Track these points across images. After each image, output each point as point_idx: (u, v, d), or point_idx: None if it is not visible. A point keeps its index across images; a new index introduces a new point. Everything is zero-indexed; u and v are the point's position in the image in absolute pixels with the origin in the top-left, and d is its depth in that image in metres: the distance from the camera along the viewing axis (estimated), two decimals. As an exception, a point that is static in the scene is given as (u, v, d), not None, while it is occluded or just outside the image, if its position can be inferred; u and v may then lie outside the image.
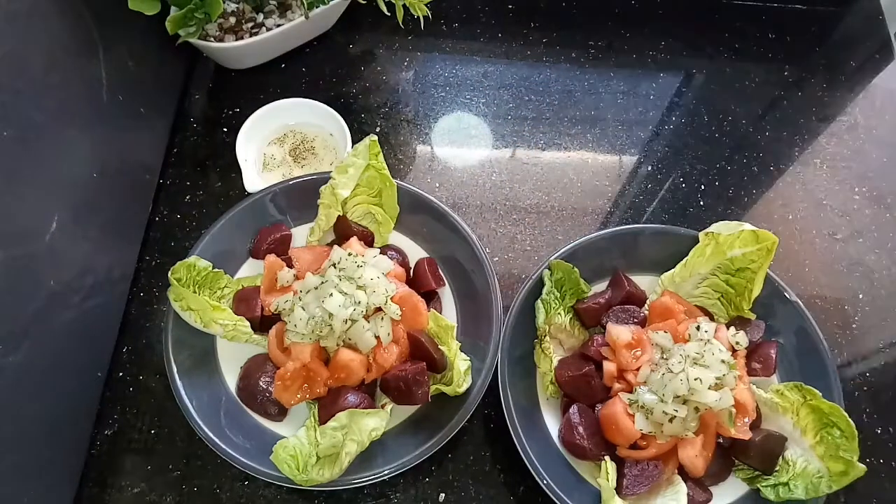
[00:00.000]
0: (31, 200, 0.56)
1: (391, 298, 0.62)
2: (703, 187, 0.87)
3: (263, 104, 0.81)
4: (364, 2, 0.88)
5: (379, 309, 0.62)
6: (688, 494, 0.59)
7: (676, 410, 0.59)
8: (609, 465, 0.61)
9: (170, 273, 0.62)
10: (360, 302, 0.60)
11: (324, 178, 0.70)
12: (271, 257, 0.68)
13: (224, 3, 0.80)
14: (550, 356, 0.65)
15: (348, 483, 0.59)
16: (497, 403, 0.70)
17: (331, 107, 0.81)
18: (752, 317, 0.69)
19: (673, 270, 0.70)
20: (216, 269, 0.66)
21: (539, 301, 0.67)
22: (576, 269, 0.68)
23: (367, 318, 0.61)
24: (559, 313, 0.67)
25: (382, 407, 0.62)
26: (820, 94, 0.96)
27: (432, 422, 0.62)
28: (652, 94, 0.94)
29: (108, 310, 0.71)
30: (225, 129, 0.87)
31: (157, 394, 0.70)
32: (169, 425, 0.68)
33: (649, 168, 0.88)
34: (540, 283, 0.68)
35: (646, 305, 0.70)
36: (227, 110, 0.88)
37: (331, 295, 0.60)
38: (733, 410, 0.60)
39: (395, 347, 0.62)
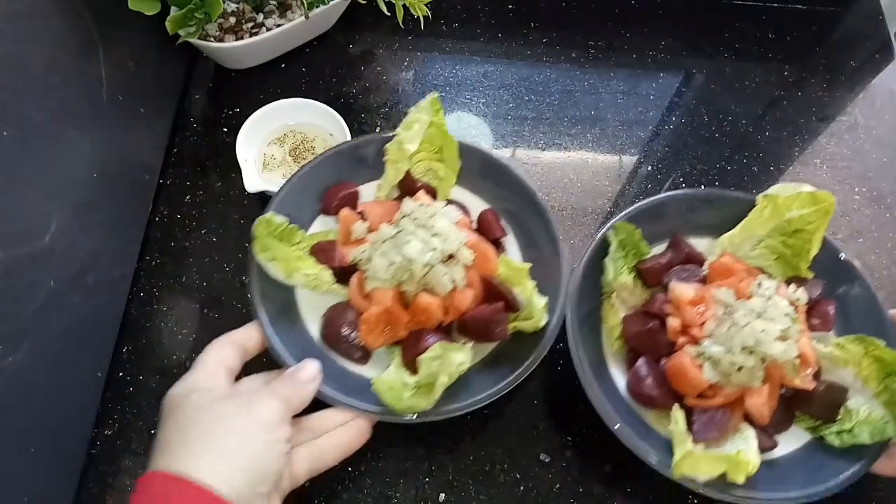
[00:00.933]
0: (31, 200, 0.56)
1: (463, 245, 0.66)
2: (703, 187, 0.87)
3: (263, 104, 0.81)
4: (364, 2, 0.88)
5: (451, 256, 0.65)
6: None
7: (744, 360, 0.61)
8: (678, 413, 0.63)
9: (253, 226, 0.64)
10: (435, 248, 0.63)
11: (387, 138, 0.73)
12: (345, 211, 0.70)
13: (224, 3, 0.80)
14: (618, 311, 0.69)
15: (440, 414, 0.61)
16: (497, 403, 0.70)
17: (331, 107, 0.81)
18: (810, 276, 0.71)
19: (731, 232, 0.72)
20: (291, 225, 0.68)
21: (607, 259, 0.69)
22: (638, 229, 0.70)
23: (442, 263, 0.64)
24: (623, 272, 0.70)
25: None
26: (820, 94, 0.96)
27: (509, 359, 0.65)
28: (652, 94, 0.94)
29: (108, 310, 0.71)
30: (225, 129, 0.87)
31: (157, 394, 0.69)
32: (169, 425, 0.68)
33: (649, 168, 0.88)
34: (604, 245, 0.70)
35: (705, 266, 0.72)
36: (227, 110, 0.88)
37: (409, 241, 0.63)
38: (797, 362, 0.62)
39: (470, 291, 0.65)
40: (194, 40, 0.81)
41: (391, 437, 0.68)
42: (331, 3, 0.85)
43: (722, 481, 0.60)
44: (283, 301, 0.68)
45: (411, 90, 0.93)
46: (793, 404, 0.66)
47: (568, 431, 0.70)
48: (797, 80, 0.97)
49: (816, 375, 0.65)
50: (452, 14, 1.00)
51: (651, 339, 0.66)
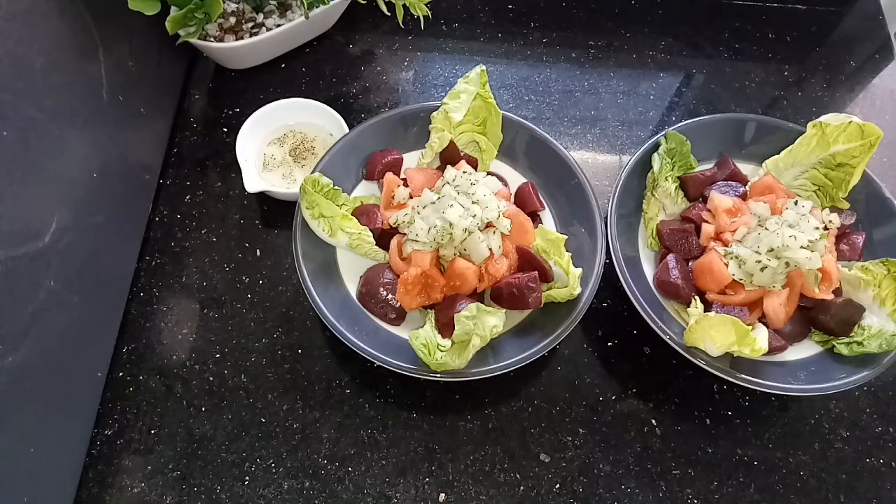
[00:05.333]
0: (31, 200, 0.56)
1: (502, 214, 0.68)
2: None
3: (263, 104, 0.81)
4: (364, 2, 0.88)
5: (489, 224, 0.67)
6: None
7: (769, 260, 0.64)
8: (698, 303, 0.67)
9: (302, 183, 0.66)
10: (475, 215, 0.66)
11: (433, 107, 0.75)
12: (390, 175, 0.72)
13: (224, 3, 0.80)
14: (659, 203, 0.74)
15: (471, 375, 0.62)
16: (497, 403, 0.70)
17: (331, 107, 0.81)
18: (846, 206, 0.74)
19: (777, 156, 0.76)
20: (335, 187, 0.69)
21: (656, 154, 0.74)
22: (688, 141, 0.75)
23: (480, 231, 0.67)
24: (668, 178, 0.74)
25: None
26: (820, 94, 0.96)
27: (540, 329, 0.66)
28: (652, 94, 0.94)
29: (108, 310, 0.71)
30: (225, 129, 0.87)
31: (157, 394, 0.70)
32: (169, 425, 0.68)
33: (649, 168, 0.88)
34: (651, 151, 0.75)
35: (747, 186, 0.76)
36: (227, 110, 0.88)
37: (451, 206, 0.65)
38: (819, 274, 0.65)
39: (506, 260, 0.68)
40: (194, 40, 0.80)
41: (392, 436, 0.68)
42: (331, 3, 0.85)
43: (729, 362, 0.64)
44: (324, 261, 0.70)
45: (411, 90, 0.93)
46: (810, 319, 0.69)
47: (568, 432, 0.70)
48: (797, 80, 0.97)
49: (836, 293, 0.69)
50: (452, 14, 1.00)
51: (684, 238, 0.72)
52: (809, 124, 0.74)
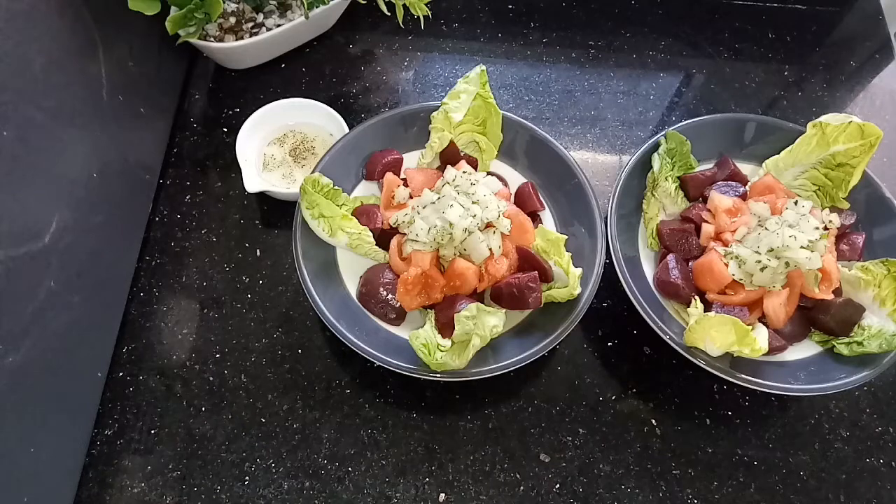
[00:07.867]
0: (31, 200, 0.56)
1: (502, 214, 0.68)
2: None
3: (263, 104, 0.81)
4: (364, 2, 0.88)
5: (489, 224, 0.67)
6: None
7: (769, 260, 0.64)
8: (698, 303, 0.67)
9: (302, 183, 0.66)
10: (475, 215, 0.66)
11: (433, 107, 0.75)
12: (390, 175, 0.72)
13: (224, 3, 0.80)
14: (659, 203, 0.74)
15: (471, 375, 0.62)
16: (497, 403, 0.70)
17: (331, 107, 0.81)
18: (846, 206, 0.74)
19: (777, 156, 0.76)
20: (335, 187, 0.69)
21: (656, 154, 0.74)
22: (688, 141, 0.75)
23: (480, 231, 0.67)
24: (668, 178, 0.74)
25: None
26: (820, 94, 0.96)
27: (539, 329, 0.66)
28: (652, 94, 0.94)
29: (108, 310, 0.71)
30: (225, 129, 0.87)
31: (157, 394, 0.70)
32: (169, 425, 0.68)
33: (649, 168, 0.88)
34: (651, 150, 0.75)
35: (747, 186, 0.76)
36: (227, 110, 0.88)
37: (451, 206, 0.65)
38: (819, 274, 0.65)
39: (506, 260, 0.68)
40: (194, 40, 0.80)
41: (392, 436, 0.68)
42: (331, 3, 0.85)
43: (729, 362, 0.64)
44: (324, 261, 0.70)
45: (411, 90, 0.93)
46: (809, 320, 0.69)
47: (568, 432, 0.70)
48: (797, 80, 0.97)
49: (836, 293, 0.69)
50: (452, 14, 1.00)
51: (684, 238, 0.72)
52: (809, 124, 0.74)
